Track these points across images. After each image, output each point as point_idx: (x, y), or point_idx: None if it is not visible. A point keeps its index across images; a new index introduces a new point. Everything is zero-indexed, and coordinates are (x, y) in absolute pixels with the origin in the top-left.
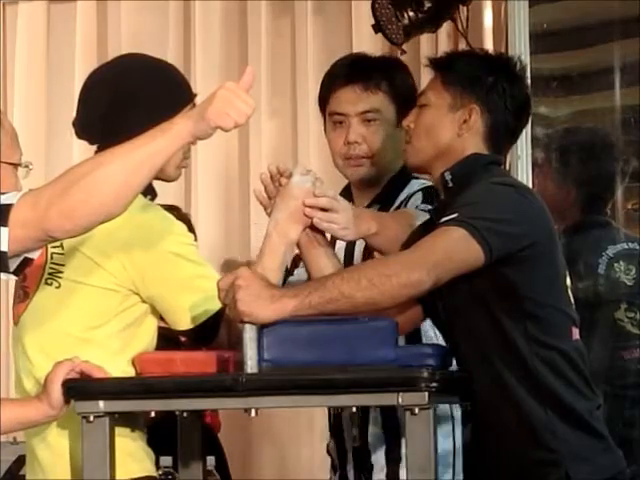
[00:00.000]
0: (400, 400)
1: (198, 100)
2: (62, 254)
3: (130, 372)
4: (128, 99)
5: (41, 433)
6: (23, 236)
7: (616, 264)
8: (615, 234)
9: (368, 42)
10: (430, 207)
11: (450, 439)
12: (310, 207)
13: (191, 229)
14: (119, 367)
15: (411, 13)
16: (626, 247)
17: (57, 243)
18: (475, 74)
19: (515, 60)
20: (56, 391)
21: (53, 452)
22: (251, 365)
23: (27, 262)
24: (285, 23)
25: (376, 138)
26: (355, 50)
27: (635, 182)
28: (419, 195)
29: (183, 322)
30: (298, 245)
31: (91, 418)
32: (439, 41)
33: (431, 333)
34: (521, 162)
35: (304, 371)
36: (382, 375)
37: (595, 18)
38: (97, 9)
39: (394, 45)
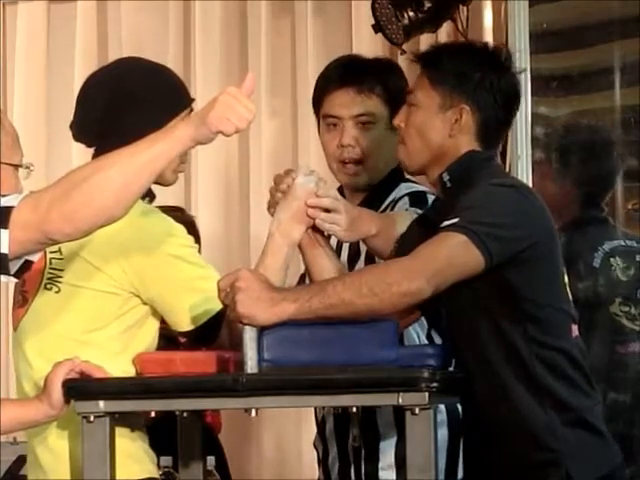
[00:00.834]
0: (400, 400)
1: (197, 102)
2: (61, 259)
3: (131, 373)
4: (125, 102)
5: (41, 434)
6: (24, 239)
7: (612, 259)
8: (612, 231)
9: (368, 42)
10: (419, 210)
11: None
12: (313, 207)
13: (195, 230)
14: (120, 368)
15: (411, 13)
16: (623, 244)
17: (55, 248)
18: (462, 71)
19: (501, 50)
20: (56, 391)
21: (54, 454)
22: (251, 365)
23: (28, 264)
24: (285, 23)
25: (370, 141)
26: (355, 50)
27: (635, 182)
28: (406, 199)
29: (184, 323)
30: (299, 245)
31: (91, 418)
32: (439, 41)
33: (414, 336)
34: (521, 162)
35: (304, 371)
36: (382, 375)
37: (595, 18)
38: (97, 9)
39: (394, 45)
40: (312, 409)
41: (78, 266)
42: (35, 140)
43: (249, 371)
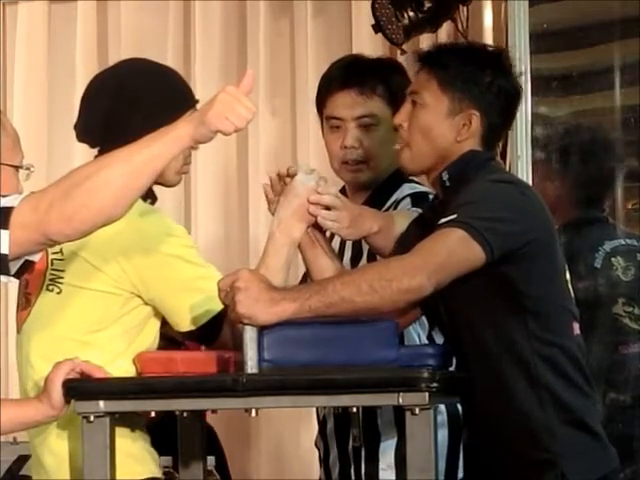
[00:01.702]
0: (401, 400)
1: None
2: (62, 260)
3: (132, 373)
4: (129, 103)
5: (42, 434)
6: (24, 239)
7: (613, 259)
8: (612, 230)
9: (368, 42)
10: (420, 210)
11: None
12: (314, 204)
13: None
14: (121, 368)
15: (411, 13)
16: (623, 243)
17: (57, 249)
18: (471, 76)
19: (503, 52)
20: (56, 391)
21: (54, 454)
22: (251, 365)
23: (28, 264)
24: (285, 23)
25: (372, 143)
26: (355, 50)
27: (635, 182)
28: (408, 200)
29: (184, 323)
30: (299, 245)
31: (91, 418)
32: (439, 41)
33: (414, 336)
34: (521, 162)
35: (304, 371)
36: (383, 375)
37: (595, 18)
38: (97, 9)
39: (394, 45)
40: (311, 409)
41: (78, 267)
42: (36, 140)
43: (249, 371)
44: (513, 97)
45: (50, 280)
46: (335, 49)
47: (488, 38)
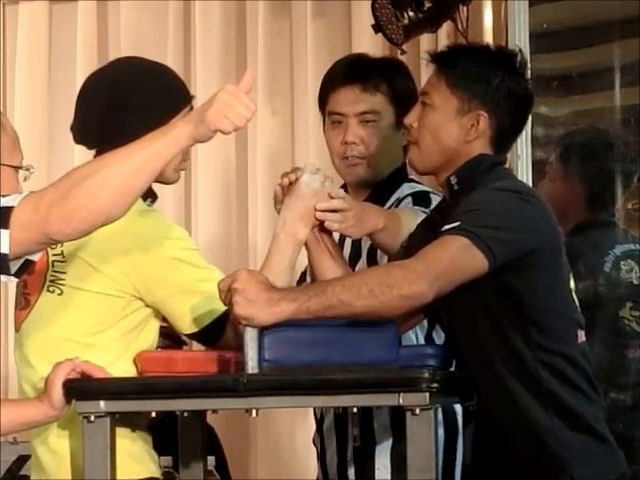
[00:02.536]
0: (401, 400)
1: (197, 101)
2: (63, 261)
3: (132, 373)
4: (125, 103)
5: (42, 434)
6: (24, 238)
7: (622, 262)
8: (622, 235)
9: (368, 42)
10: (423, 209)
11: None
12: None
13: None
14: (122, 368)
15: (411, 13)
16: (633, 248)
17: (57, 250)
18: (481, 77)
19: (516, 54)
20: (57, 391)
21: (55, 454)
22: (252, 365)
23: (28, 264)
24: (284, 24)
25: (373, 139)
26: (355, 50)
27: (635, 182)
28: (409, 199)
29: (188, 326)
30: (305, 245)
31: (92, 418)
32: (439, 41)
33: (412, 336)
34: (521, 162)
35: (305, 371)
36: (383, 375)
37: (595, 18)
38: (97, 9)
39: (394, 45)
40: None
41: (79, 268)
42: (36, 140)
43: (250, 371)
44: (524, 99)
45: (51, 281)
46: (335, 49)
47: (488, 38)
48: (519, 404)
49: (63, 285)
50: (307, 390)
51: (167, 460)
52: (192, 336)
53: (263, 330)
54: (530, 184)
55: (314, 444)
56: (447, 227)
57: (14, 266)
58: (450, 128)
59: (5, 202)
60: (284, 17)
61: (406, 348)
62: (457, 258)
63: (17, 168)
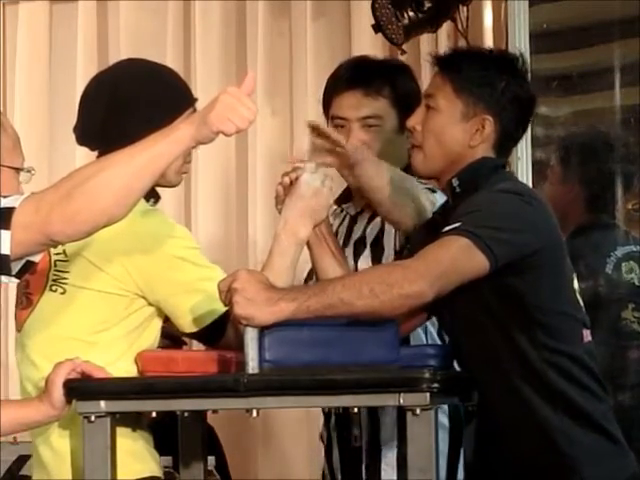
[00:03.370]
0: (401, 401)
1: (198, 102)
2: (65, 261)
3: (133, 372)
4: (128, 105)
5: (44, 433)
6: (25, 239)
7: (624, 263)
8: (623, 236)
9: (368, 42)
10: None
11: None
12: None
13: None
14: (123, 368)
15: (411, 13)
16: (634, 249)
17: (60, 250)
18: (487, 81)
19: (519, 58)
20: (57, 391)
21: (56, 453)
22: (252, 365)
23: (29, 265)
24: (284, 24)
25: (376, 144)
26: (355, 51)
27: (635, 182)
28: None
29: (189, 325)
30: (307, 244)
31: (92, 418)
32: (439, 41)
33: (422, 336)
34: (521, 162)
35: (305, 371)
36: (383, 375)
37: (595, 18)
38: (97, 9)
39: (394, 45)
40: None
41: (82, 267)
42: (37, 140)
43: (250, 371)
44: (527, 103)
45: (53, 281)
46: (335, 49)
47: (488, 38)
48: (526, 404)
49: (66, 284)
50: (307, 390)
51: (167, 460)
52: (193, 335)
53: (263, 330)
54: (530, 185)
55: (321, 439)
56: (448, 228)
57: (15, 267)
58: (455, 132)
59: (6, 203)
60: (284, 17)
61: (406, 348)
62: (458, 258)
63: (18, 170)
